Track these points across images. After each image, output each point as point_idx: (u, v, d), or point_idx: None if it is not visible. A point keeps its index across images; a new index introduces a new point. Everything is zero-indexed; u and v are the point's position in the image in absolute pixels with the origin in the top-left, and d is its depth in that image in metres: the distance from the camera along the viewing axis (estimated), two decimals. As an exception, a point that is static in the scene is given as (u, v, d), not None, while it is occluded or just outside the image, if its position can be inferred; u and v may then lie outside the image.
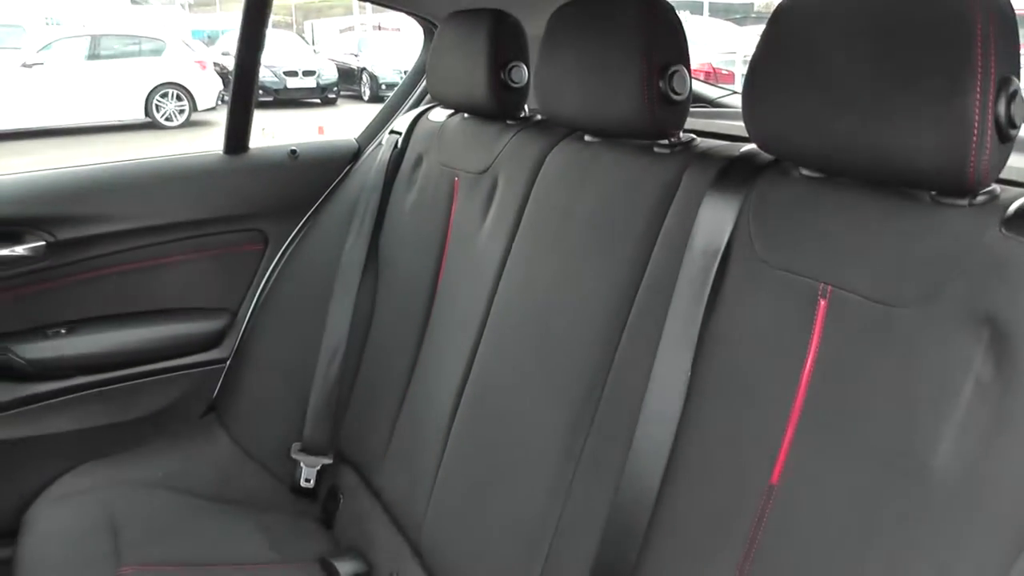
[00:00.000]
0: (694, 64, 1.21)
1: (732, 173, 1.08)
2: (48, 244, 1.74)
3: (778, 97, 0.93)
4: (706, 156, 1.16)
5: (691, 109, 1.23)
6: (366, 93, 14.48)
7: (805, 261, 0.94)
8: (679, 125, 1.22)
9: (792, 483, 0.90)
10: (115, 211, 1.80)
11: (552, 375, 1.25)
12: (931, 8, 0.79)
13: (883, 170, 0.85)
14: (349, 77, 14.71)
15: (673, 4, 1.21)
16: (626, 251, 1.18)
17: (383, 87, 13.73)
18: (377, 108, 2.16)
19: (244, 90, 1.90)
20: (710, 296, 1.02)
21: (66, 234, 1.75)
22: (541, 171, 1.39)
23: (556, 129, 1.44)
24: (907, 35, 0.81)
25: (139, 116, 11.24)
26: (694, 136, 1.26)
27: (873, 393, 0.85)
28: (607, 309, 1.18)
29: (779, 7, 0.94)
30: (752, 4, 19.61)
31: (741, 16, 17.60)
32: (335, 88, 14.13)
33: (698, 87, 1.96)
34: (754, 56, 0.96)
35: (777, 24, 0.94)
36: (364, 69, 14.61)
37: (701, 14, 16.85)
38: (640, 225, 1.17)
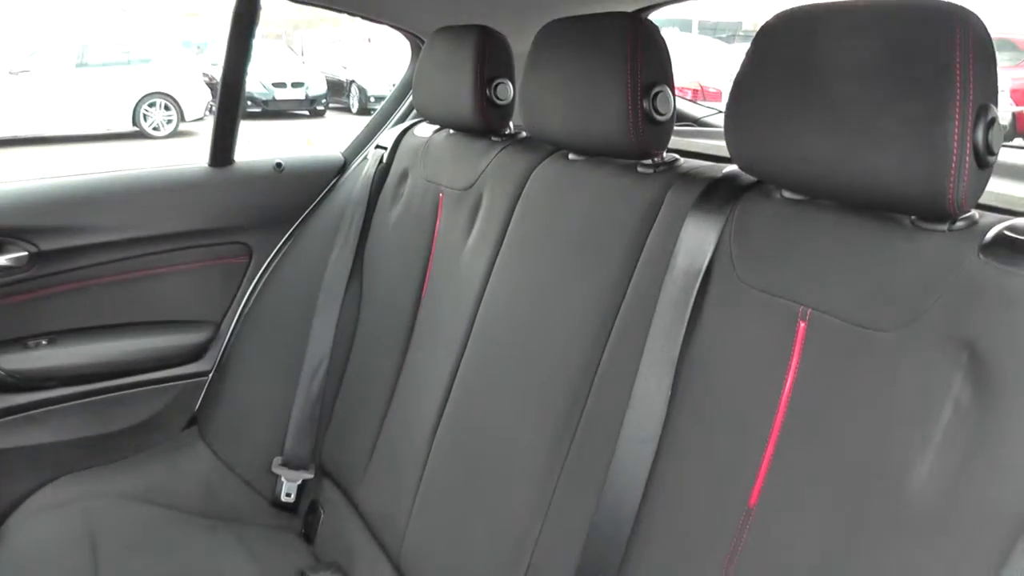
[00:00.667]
0: (683, 82, 1.22)
1: (714, 194, 1.08)
2: (31, 254, 1.73)
3: (760, 119, 0.94)
4: (689, 176, 1.16)
5: (675, 128, 1.23)
6: (355, 105, 14.45)
7: (785, 283, 0.95)
8: (663, 145, 1.22)
9: (770, 504, 0.91)
10: (99, 222, 1.79)
11: (533, 392, 1.25)
12: (911, 36, 0.80)
13: (864, 194, 0.86)
14: (338, 89, 14.69)
15: (661, 21, 1.21)
16: (608, 270, 1.18)
17: (372, 99, 13.70)
18: (366, 120, 2.16)
19: (230, 102, 1.89)
20: (691, 316, 1.02)
21: (49, 245, 1.74)
22: (525, 188, 1.40)
23: (541, 146, 1.44)
24: (888, 62, 0.82)
25: (127, 125, 11.20)
26: (677, 156, 1.26)
27: (852, 416, 0.85)
28: (589, 327, 1.18)
29: (762, 28, 0.95)
30: (740, 23, 19.72)
31: (729, 35, 17.71)
32: (324, 100, 14.10)
33: (682, 106, 1.97)
34: (737, 77, 0.97)
35: (760, 45, 0.95)
36: (353, 81, 14.60)
37: (690, 31, 16.94)
38: (622, 244, 1.18)
